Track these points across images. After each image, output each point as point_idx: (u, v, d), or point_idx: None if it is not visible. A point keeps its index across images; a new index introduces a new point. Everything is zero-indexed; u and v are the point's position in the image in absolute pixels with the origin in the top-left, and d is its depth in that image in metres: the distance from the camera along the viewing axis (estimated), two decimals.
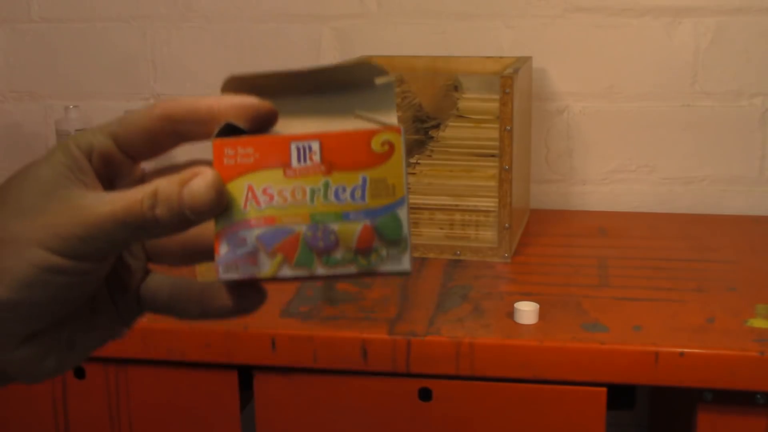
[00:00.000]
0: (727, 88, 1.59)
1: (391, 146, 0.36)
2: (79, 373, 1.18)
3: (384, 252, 0.37)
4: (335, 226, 0.36)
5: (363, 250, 0.36)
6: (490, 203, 1.35)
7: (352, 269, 0.37)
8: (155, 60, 1.74)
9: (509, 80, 1.29)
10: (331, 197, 0.36)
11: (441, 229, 1.37)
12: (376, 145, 0.36)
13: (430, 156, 1.35)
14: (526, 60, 1.52)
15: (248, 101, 0.39)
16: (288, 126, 0.39)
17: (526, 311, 1.12)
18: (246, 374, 1.15)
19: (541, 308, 1.13)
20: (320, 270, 0.37)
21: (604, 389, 1.07)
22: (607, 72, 1.62)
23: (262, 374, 1.13)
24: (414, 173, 1.37)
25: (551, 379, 1.08)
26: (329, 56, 1.68)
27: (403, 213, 0.37)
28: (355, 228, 0.35)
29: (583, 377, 1.07)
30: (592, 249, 1.42)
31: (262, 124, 0.39)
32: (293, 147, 0.36)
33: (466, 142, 1.34)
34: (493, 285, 1.26)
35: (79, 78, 1.78)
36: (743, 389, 1.04)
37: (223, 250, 0.37)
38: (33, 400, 1.20)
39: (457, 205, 1.36)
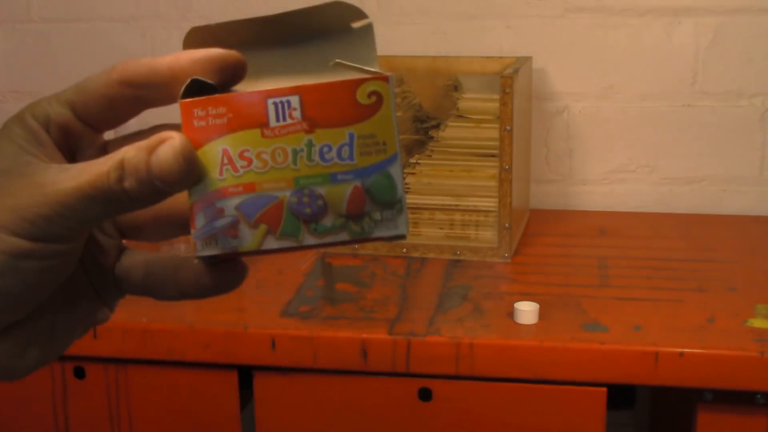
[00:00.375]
0: (727, 88, 1.59)
1: (379, 97, 0.32)
2: (79, 373, 1.18)
3: (377, 215, 0.33)
4: (322, 190, 0.32)
5: (354, 214, 0.33)
6: (490, 203, 1.35)
7: (343, 236, 0.34)
8: None
9: (509, 80, 1.29)
10: (316, 158, 0.32)
11: (441, 229, 1.37)
12: (361, 96, 0.32)
13: (430, 156, 1.35)
14: (526, 60, 1.52)
15: (212, 53, 0.35)
16: (261, 83, 0.35)
17: (526, 311, 1.12)
18: (246, 374, 1.15)
19: (541, 308, 1.13)
20: (309, 239, 0.33)
21: (604, 389, 1.07)
22: (607, 72, 1.62)
23: (262, 374, 1.13)
24: (414, 173, 1.37)
25: (551, 379, 1.08)
26: None
27: (396, 171, 0.34)
28: (345, 190, 0.32)
29: (583, 377, 1.07)
30: (592, 249, 1.42)
31: (231, 77, 0.35)
32: (270, 104, 0.32)
33: (466, 142, 1.34)
34: (493, 285, 1.26)
35: (79, 78, 1.77)
36: (743, 389, 1.05)
37: (199, 223, 0.34)
38: (33, 400, 1.20)
39: (457, 205, 1.36)
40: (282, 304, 1.18)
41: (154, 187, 0.34)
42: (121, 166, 0.34)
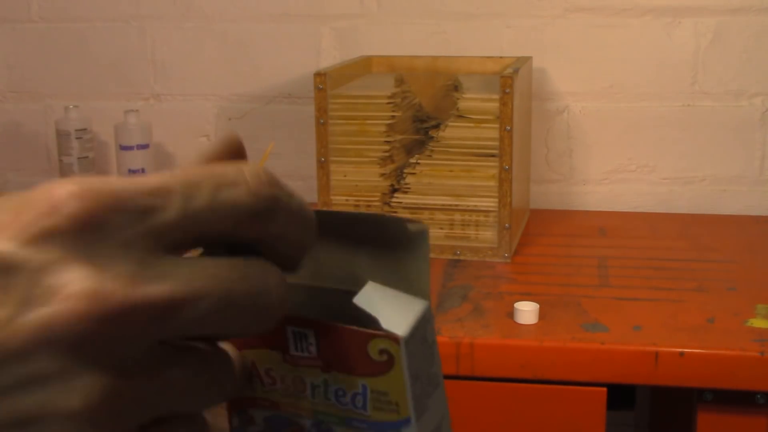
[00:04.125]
0: (727, 88, 1.59)
1: (390, 356, 0.29)
2: None
3: None
4: (339, 430, 0.31)
5: None
6: (490, 203, 1.35)
7: None
8: (155, 60, 1.74)
9: (509, 80, 1.29)
10: (332, 398, 0.31)
11: (441, 229, 1.37)
12: (373, 352, 0.29)
13: (430, 156, 1.35)
14: (526, 60, 1.52)
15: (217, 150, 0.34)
16: (310, 274, 0.33)
17: (526, 311, 1.12)
18: None
19: (541, 308, 1.13)
20: None
21: (604, 389, 1.07)
22: (607, 72, 1.62)
23: None
24: (414, 173, 1.37)
25: (551, 379, 1.07)
26: (329, 56, 1.68)
27: None
28: None
29: (583, 377, 1.07)
30: (592, 249, 1.42)
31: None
32: (290, 331, 0.30)
33: (466, 142, 1.34)
34: (493, 285, 1.26)
35: (79, 78, 1.78)
36: (743, 389, 1.04)
37: (234, 422, 0.34)
38: None
39: (457, 205, 1.36)
40: None
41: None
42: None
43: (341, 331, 0.29)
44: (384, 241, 0.31)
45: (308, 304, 0.32)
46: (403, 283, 0.31)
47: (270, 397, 0.32)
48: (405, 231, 0.30)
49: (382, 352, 0.29)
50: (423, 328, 0.30)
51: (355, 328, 0.29)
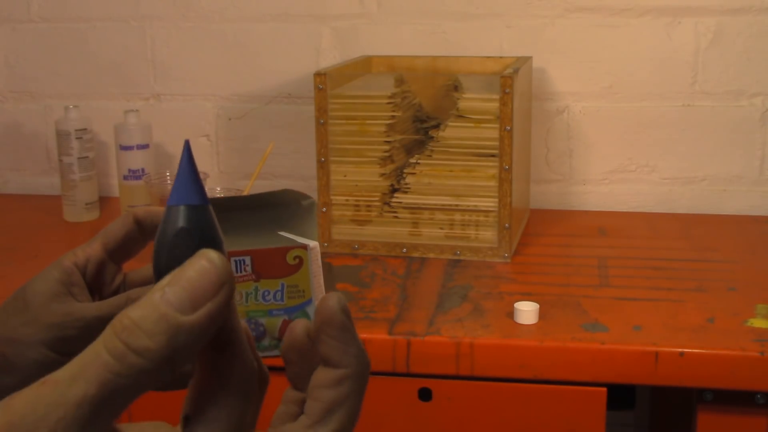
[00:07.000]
0: (727, 88, 1.59)
1: (301, 260, 0.46)
2: None
3: None
4: (263, 321, 0.47)
5: (282, 338, 0.45)
6: (490, 203, 1.34)
7: (275, 352, 0.47)
8: (155, 60, 1.74)
9: (509, 80, 1.29)
10: (260, 299, 0.46)
11: (441, 229, 1.37)
12: (290, 258, 0.46)
13: (430, 156, 1.35)
14: (526, 60, 1.52)
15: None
16: (231, 237, 0.47)
17: (526, 311, 1.12)
18: None
19: (541, 308, 1.13)
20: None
21: (604, 389, 1.07)
22: (607, 72, 1.62)
23: None
24: (414, 173, 1.36)
25: (551, 379, 1.08)
26: (329, 56, 1.68)
27: (311, 309, 0.47)
28: (277, 322, 0.44)
29: (583, 377, 1.07)
30: (592, 249, 1.42)
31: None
32: (233, 261, 0.46)
33: (466, 142, 1.34)
34: (493, 285, 1.26)
35: (79, 78, 1.78)
36: (743, 389, 1.05)
37: None
38: None
39: (457, 205, 1.36)
40: None
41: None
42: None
43: (269, 251, 0.46)
44: (288, 211, 0.47)
45: (243, 241, 0.47)
46: (302, 235, 0.48)
47: None
48: (300, 204, 0.47)
49: (295, 257, 0.46)
50: (317, 252, 0.47)
51: (279, 246, 0.46)
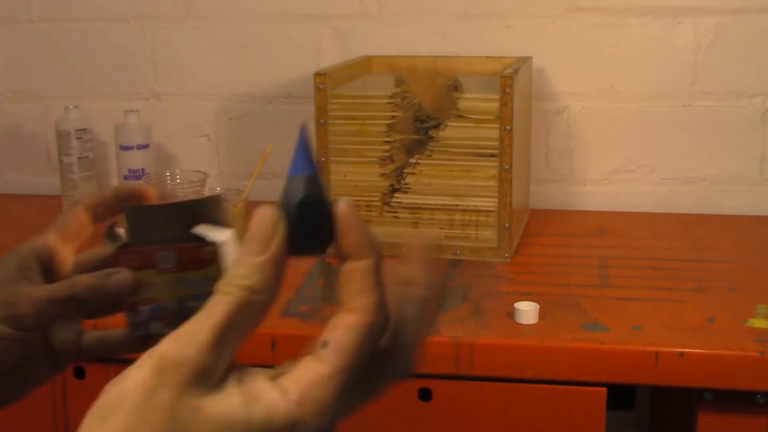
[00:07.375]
0: (727, 88, 1.59)
1: (215, 254, 0.54)
2: (79, 373, 1.18)
3: None
4: (190, 303, 0.55)
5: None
6: (490, 203, 1.34)
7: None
8: (155, 60, 1.74)
9: (509, 80, 1.29)
10: (185, 286, 0.56)
11: (441, 229, 1.37)
12: (206, 254, 0.55)
13: (430, 156, 1.35)
14: (526, 60, 1.52)
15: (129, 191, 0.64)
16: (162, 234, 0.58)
17: (526, 311, 1.12)
18: None
19: (541, 308, 1.13)
20: None
21: (604, 389, 1.07)
22: (607, 72, 1.62)
23: None
24: (414, 173, 1.36)
25: (551, 379, 1.08)
26: (329, 56, 1.68)
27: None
28: (199, 305, 0.49)
29: (583, 377, 1.07)
30: (592, 249, 1.42)
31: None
32: (160, 255, 0.55)
33: (466, 142, 1.34)
34: (493, 285, 1.26)
35: (79, 78, 1.78)
36: (743, 389, 1.05)
37: (129, 318, 0.57)
38: (33, 400, 1.19)
39: (457, 205, 1.36)
40: (282, 305, 1.18)
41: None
42: (77, 283, 0.57)
43: (189, 248, 0.55)
44: (206, 211, 0.56)
45: (170, 238, 0.56)
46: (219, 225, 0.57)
47: (152, 295, 0.56)
48: (217, 203, 0.56)
49: (210, 252, 0.54)
50: (230, 244, 0.55)
51: (196, 244, 0.55)
